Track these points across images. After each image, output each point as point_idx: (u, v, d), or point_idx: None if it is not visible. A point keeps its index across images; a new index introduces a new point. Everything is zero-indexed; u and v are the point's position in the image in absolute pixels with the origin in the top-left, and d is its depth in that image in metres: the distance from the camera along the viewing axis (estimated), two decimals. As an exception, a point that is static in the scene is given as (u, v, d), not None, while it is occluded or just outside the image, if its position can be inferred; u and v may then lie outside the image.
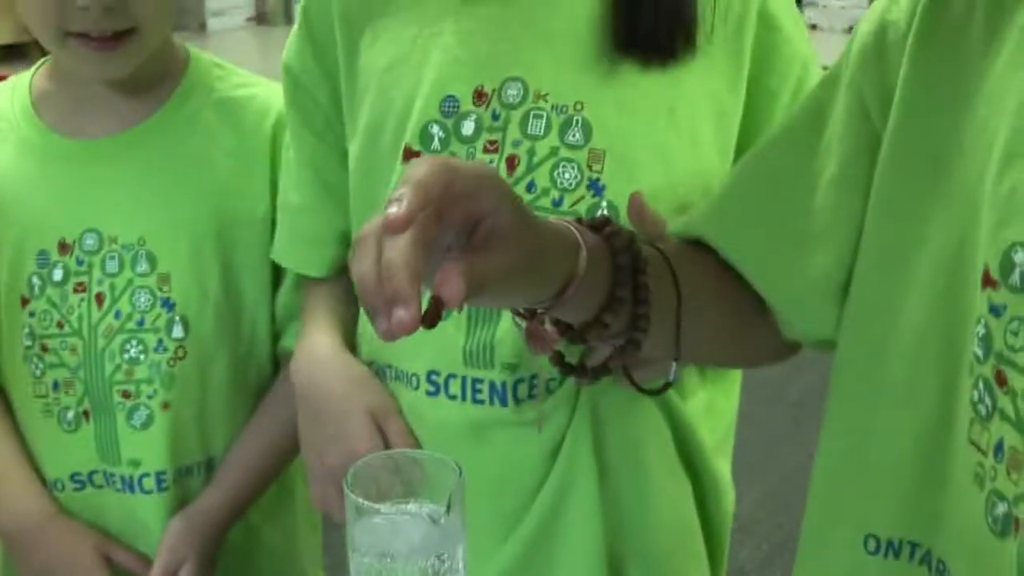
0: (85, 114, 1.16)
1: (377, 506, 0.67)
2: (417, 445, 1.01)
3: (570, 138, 0.93)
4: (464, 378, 0.97)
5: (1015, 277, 0.63)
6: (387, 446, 0.99)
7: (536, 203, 0.93)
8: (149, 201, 1.15)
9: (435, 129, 0.95)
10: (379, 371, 1.04)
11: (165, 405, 1.15)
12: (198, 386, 1.17)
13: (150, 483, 1.16)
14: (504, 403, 0.96)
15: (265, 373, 1.23)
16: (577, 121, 0.93)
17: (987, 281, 0.65)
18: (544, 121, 0.93)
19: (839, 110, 0.78)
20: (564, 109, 0.93)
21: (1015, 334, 0.63)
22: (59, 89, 1.18)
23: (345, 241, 1.08)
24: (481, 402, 0.96)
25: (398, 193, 0.61)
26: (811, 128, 0.80)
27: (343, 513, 1.05)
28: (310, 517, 1.31)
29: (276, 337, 1.22)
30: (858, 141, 0.76)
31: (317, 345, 1.06)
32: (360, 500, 0.66)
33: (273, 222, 1.17)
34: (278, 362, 1.24)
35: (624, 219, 0.92)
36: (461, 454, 0.97)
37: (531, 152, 0.93)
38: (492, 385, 0.96)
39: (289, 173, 1.11)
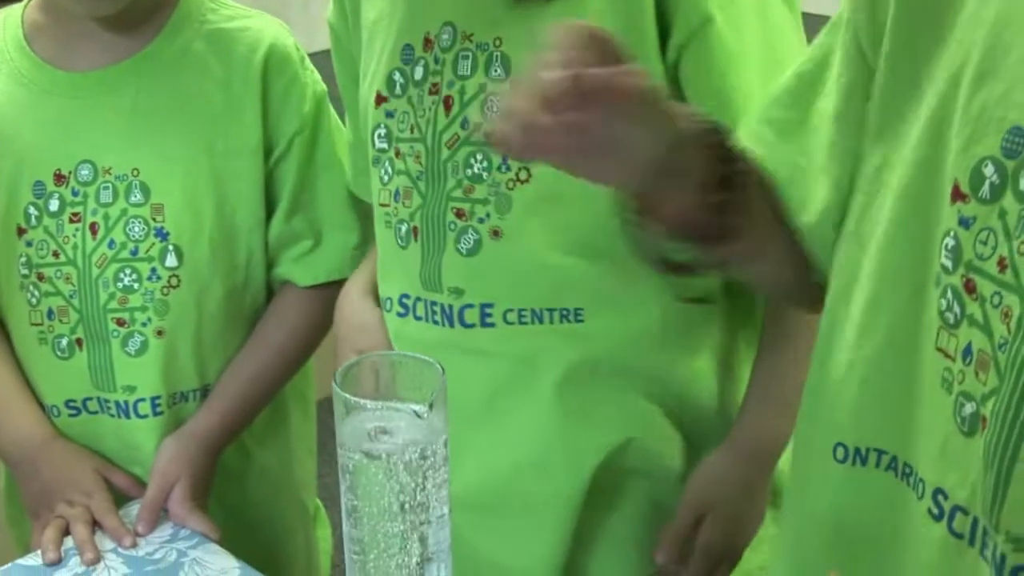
0: (77, 47, 1.18)
1: (364, 402, 0.69)
2: None
3: (493, 73, 0.97)
4: (426, 300, 1.03)
5: (985, 189, 0.66)
6: None
7: (473, 138, 0.98)
8: (142, 133, 1.17)
9: (397, 76, 1.03)
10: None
11: (159, 332, 1.18)
12: (193, 314, 1.19)
13: (145, 408, 1.19)
14: (451, 325, 1.01)
15: (260, 301, 1.25)
16: (497, 57, 0.97)
17: (957, 195, 0.67)
18: (470, 61, 0.99)
19: (840, 51, 0.81)
20: (486, 47, 0.98)
21: (984, 243, 0.66)
22: (51, 22, 1.19)
23: None
24: (437, 323, 1.02)
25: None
26: (818, 71, 0.83)
27: None
28: (305, 442, 1.34)
29: (271, 265, 1.24)
30: (855, 78, 0.79)
31: (348, 290, 1.17)
32: (348, 396, 0.69)
33: (265, 153, 1.20)
34: (272, 289, 1.26)
35: None
36: None
37: (462, 91, 0.99)
38: (443, 308, 1.01)
39: (347, 115, 1.18)
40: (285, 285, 1.25)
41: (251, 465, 1.28)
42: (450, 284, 1.01)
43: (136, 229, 1.16)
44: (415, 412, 0.70)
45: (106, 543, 1.09)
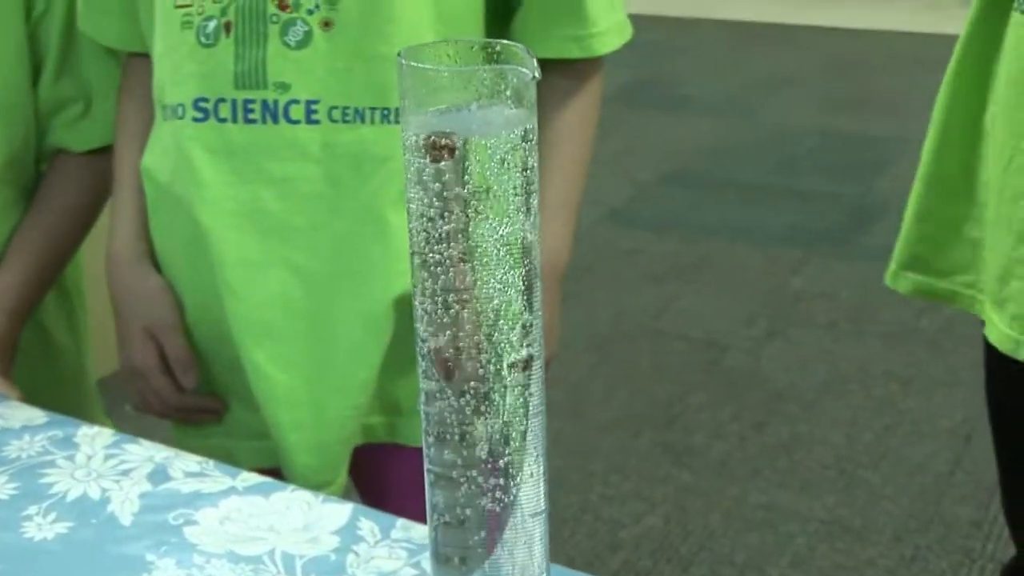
0: None
1: (443, 70, 0.58)
2: (192, 359, 1.07)
3: None
4: (234, 100, 0.99)
5: None
6: (164, 360, 1.07)
7: None
8: None
9: None
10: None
11: None
12: None
13: None
14: (276, 121, 0.98)
15: (30, 172, 1.18)
16: None
17: None
18: None
19: None
20: None
21: None
22: None
23: (130, 16, 1.09)
24: (253, 121, 0.98)
25: None
26: None
27: (157, 406, 1.09)
28: (86, 319, 1.29)
29: (42, 133, 1.17)
30: None
31: (116, 255, 1.09)
32: (423, 65, 0.58)
33: (27, 12, 1.14)
34: (39, 158, 1.19)
35: None
36: (235, 176, 0.99)
37: None
38: (265, 104, 0.98)
39: None
40: (60, 153, 1.18)
41: (48, 346, 1.21)
42: (276, 79, 0.97)
43: None
44: (532, 74, 0.57)
45: None
